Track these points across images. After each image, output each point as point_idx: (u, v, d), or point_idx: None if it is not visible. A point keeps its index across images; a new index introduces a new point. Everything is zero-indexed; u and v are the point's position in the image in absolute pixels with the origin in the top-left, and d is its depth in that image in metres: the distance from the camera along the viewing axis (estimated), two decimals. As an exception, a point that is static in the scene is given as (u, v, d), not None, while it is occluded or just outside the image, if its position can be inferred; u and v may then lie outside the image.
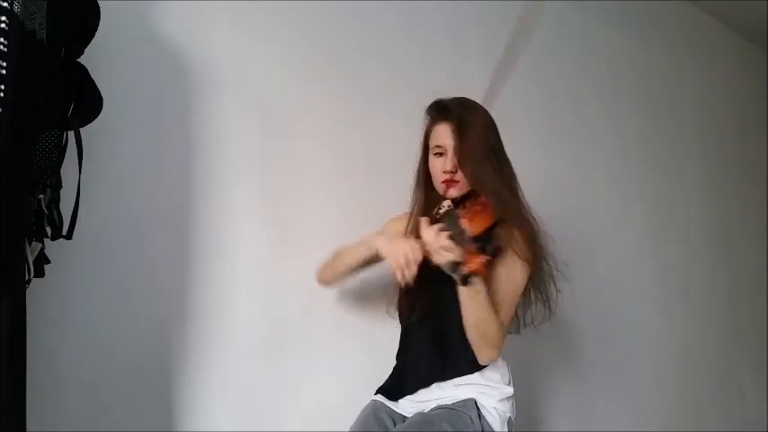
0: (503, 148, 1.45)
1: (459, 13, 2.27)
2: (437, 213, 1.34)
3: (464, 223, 1.24)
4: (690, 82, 3.34)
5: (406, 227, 1.50)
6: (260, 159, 1.76)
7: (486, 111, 1.45)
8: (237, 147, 1.71)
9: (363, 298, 1.81)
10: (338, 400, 1.76)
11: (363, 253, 1.43)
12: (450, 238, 1.20)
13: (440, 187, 1.44)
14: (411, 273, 1.26)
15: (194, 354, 1.58)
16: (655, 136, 3.07)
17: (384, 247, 1.34)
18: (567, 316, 2.35)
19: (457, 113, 1.41)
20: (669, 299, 2.98)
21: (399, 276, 1.26)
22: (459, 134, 1.39)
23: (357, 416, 1.46)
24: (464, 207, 1.35)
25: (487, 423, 1.33)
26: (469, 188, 1.41)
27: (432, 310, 1.39)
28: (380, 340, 1.67)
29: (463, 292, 1.28)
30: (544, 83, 2.55)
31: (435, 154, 1.44)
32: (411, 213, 1.51)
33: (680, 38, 3.32)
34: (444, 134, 1.42)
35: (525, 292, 1.44)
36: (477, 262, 1.17)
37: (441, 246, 1.20)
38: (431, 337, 1.41)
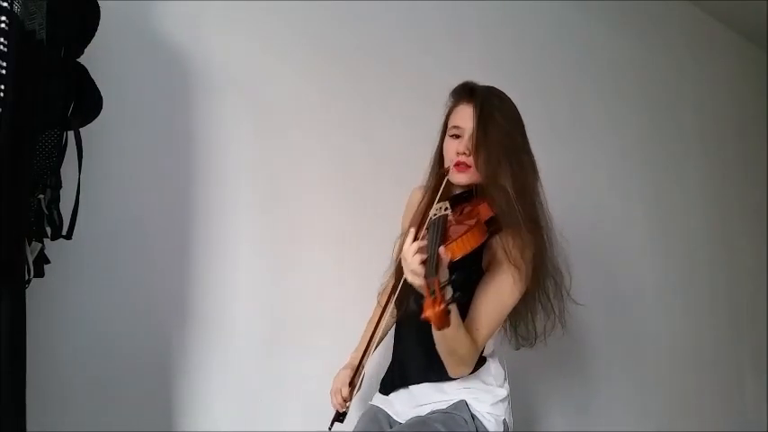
0: (526, 145, 1.36)
1: (459, 13, 2.27)
2: (434, 215, 1.26)
3: (445, 247, 1.13)
4: (690, 82, 3.34)
5: (420, 202, 1.43)
6: (260, 159, 1.76)
7: (514, 105, 1.39)
8: (237, 146, 1.71)
9: (363, 298, 1.81)
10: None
11: None
12: (424, 263, 1.11)
13: (450, 170, 1.35)
14: (336, 401, 1.46)
15: (194, 354, 1.59)
16: (655, 136, 3.07)
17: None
18: (566, 316, 2.35)
19: (482, 97, 1.34)
20: (669, 299, 2.98)
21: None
22: (481, 118, 1.30)
23: (357, 420, 1.46)
24: (460, 212, 1.28)
25: (481, 424, 1.32)
26: (478, 180, 1.32)
27: (418, 309, 1.35)
28: (380, 340, 1.67)
29: None
30: (544, 83, 2.55)
31: (452, 135, 1.36)
32: (423, 197, 1.43)
33: (680, 38, 3.32)
34: (464, 115, 1.34)
35: (523, 307, 1.36)
36: (432, 312, 1.02)
37: (411, 269, 1.12)
38: (418, 336, 1.35)
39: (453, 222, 1.23)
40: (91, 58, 1.26)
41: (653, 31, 3.14)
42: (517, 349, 1.46)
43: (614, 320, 2.68)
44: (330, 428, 1.45)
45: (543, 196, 1.38)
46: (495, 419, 1.34)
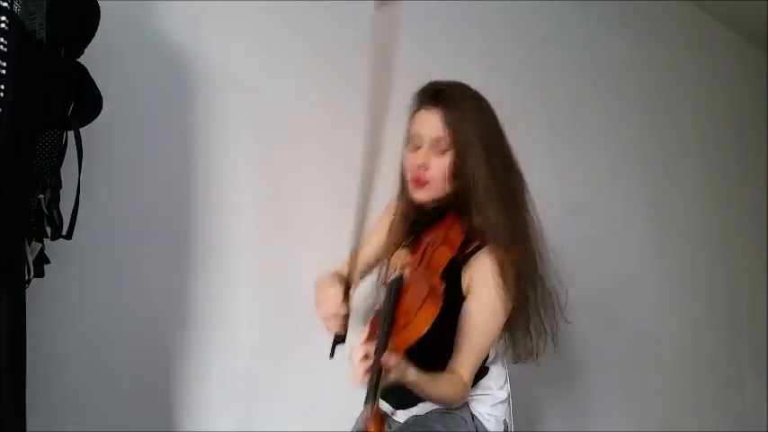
0: (509, 151, 1.23)
1: (459, 13, 2.27)
2: (388, 274, 1.16)
3: (396, 337, 1.03)
4: (690, 82, 3.34)
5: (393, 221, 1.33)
6: (260, 159, 1.76)
7: (486, 101, 1.24)
8: (237, 146, 1.71)
9: (364, 298, 1.82)
10: (338, 401, 1.76)
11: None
12: (368, 371, 1.00)
13: (409, 188, 1.22)
14: (335, 324, 1.17)
15: (194, 354, 1.59)
16: (655, 136, 3.07)
17: (316, 292, 1.21)
18: (566, 316, 2.35)
19: (448, 98, 1.19)
20: (669, 299, 2.98)
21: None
22: (454, 122, 1.16)
23: (356, 420, 1.46)
24: (422, 257, 1.15)
25: (481, 424, 1.31)
26: (438, 195, 1.20)
27: None
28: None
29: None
30: (544, 83, 2.55)
31: (411, 146, 1.22)
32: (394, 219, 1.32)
33: (680, 38, 3.32)
34: (425, 122, 1.20)
35: (516, 324, 1.27)
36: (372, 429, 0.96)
37: (355, 377, 1.01)
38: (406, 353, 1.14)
39: (410, 281, 1.12)
40: (91, 58, 1.26)
41: (653, 31, 3.14)
42: (515, 363, 1.40)
43: (614, 320, 2.68)
44: (332, 356, 1.22)
45: (533, 207, 1.26)
46: (496, 419, 1.34)
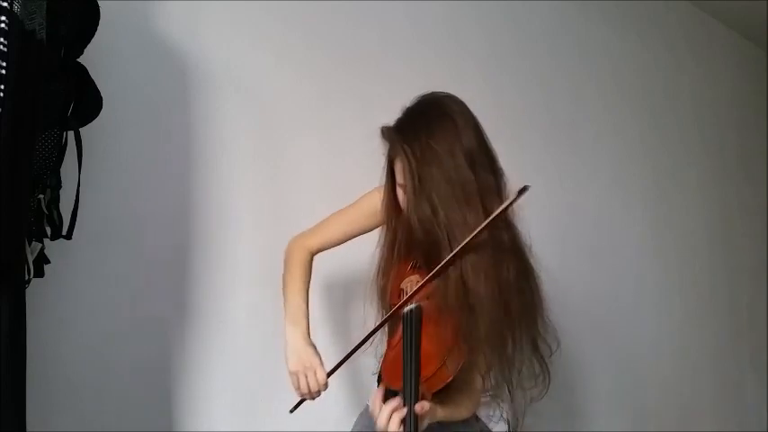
0: (486, 170, 1.19)
1: (459, 12, 2.27)
2: (403, 301, 1.15)
3: (423, 384, 1.03)
4: (690, 82, 3.34)
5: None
6: (259, 159, 1.76)
7: (459, 113, 1.23)
8: (237, 147, 1.71)
9: (364, 297, 1.81)
10: (338, 401, 1.76)
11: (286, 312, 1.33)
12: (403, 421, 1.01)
13: None
14: (312, 395, 1.25)
15: (194, 353, 1.59)
16: (655, 136, 3.07)
17: (289, 358, 1.26)
18: (567, 316, 2.35)
19: (403, 141, 1.20)
20: (669, 299, 2.98)
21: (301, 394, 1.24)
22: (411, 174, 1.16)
23: (355, 421, 1.45)
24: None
25: (485, 424, 1.33)
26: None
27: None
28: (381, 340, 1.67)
29: None
30: (544, 83, 2.55)
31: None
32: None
33: (680, 38, 3.32)
34: (399, 171, 1.24)
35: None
36: None
37: None
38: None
39: (428, 314, 1.11)
40: (91, 58, 1.26)
41: (653, 31, 3.14)
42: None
43: (614, 320, 2.68)
44: (292, 411, 1.32)
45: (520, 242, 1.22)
46: (498, 418, 1.35)
